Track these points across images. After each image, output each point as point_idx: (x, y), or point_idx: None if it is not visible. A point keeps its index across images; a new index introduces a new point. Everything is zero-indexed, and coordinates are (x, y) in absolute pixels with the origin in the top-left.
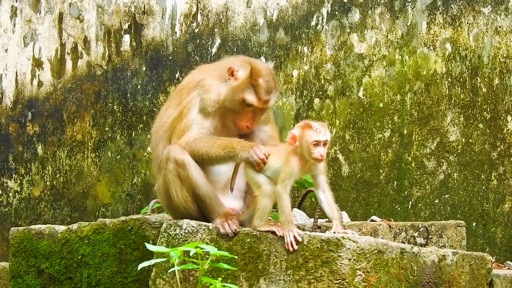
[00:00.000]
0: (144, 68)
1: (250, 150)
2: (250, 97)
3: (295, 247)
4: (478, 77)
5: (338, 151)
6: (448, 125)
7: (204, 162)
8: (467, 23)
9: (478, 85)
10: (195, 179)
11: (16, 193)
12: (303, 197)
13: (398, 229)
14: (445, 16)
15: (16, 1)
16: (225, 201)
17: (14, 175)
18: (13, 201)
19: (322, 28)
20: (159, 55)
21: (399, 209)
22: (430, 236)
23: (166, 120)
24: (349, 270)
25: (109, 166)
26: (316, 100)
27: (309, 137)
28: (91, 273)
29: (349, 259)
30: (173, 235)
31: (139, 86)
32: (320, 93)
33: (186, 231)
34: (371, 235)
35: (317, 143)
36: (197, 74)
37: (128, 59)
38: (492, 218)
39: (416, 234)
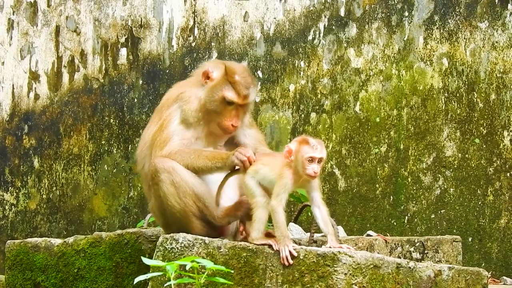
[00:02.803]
0: (140, 82)
1: (232, 156)
2: (230, 94)
3: (291, 261)
4: (474, 92)
5: (334, 166)
6: (445, 140)
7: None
8: (464, 38)
9: (475, 100)
10: (190, 181)
11: (12, 206)
12: (299, 212)
13: (394, 244)
14: (442, 31)
15: (13, 14)
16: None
17: (10, 188)
18: (9, 214)
19: (319, 42)
20: (155, 68)
21: (395, 224)
22: (426, 251)
23: (147, 138)
24: (345, 284)
25: (105, 179)
26: (313, 115)
27: (305, 153)
28: (87, 286)
29: (345, 274)
30: (169, 249)
31: (135, 100)
32: (317, 107)
33: (182, 245)
34: (367, 250)
35: (312, 160)
36: (174, 90)
37: (124, 72)
38: (488, 234)
39: (412, 249)
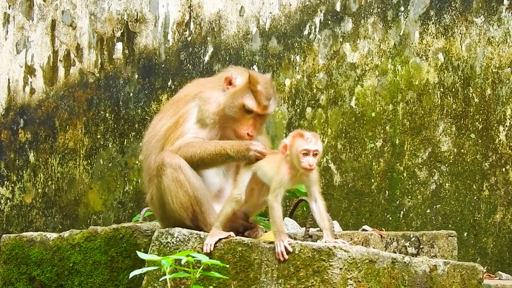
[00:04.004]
0: (136, 76)
1: (250, 152)
2: (250, 103)
3: (286, 257)
4: (470, 87)
5: (330, 161)
6: (440, 135)
7: (198, 167)
8: (460, 33)
9: (470, 95)
10: (193, 183)
11: (8, 200)
12: (295, 206)
13: (390, 238)
14: (437, 26)
15: (9, 8)
16: (218, 210)
17: (5, 182)
18: (4, 208)
19: (315, 37)
20: (151, 63)
21: (390, 218)
22: (421, 246)
23: (159, 130)
24: (340, 279)
25: (101, 174)
26: (308, 109)
27: (299, 146)
28: (82, 280)
29: (341, 269)
30: (164, 244)
31: (131, 94)
32: (312, 102)
33: (178, 239)
34: (362, 245)
35: (306, 153)
36: (194, 87)
37: (120, 67)
38: (483, 228)
39: (407, 244)
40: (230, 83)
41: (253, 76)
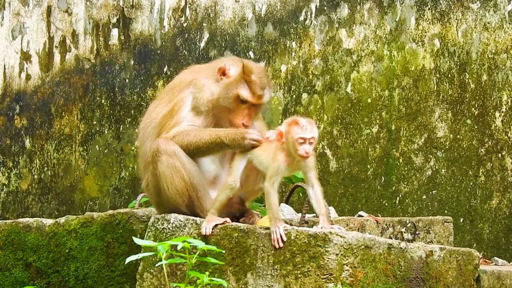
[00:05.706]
0: (132, 62)
1: (245, 140)
2: (244, 93)
3: (281, 244)
4: (466, 73)
5: (326, 146)
6: (436, 121)
7: (194, 155)
8: (456, 19)
9: (466, 81)
10: (188, 169)
11: (4, 186)
12: (291, 192)
13: (386, 224)
14: (433, 11)
15: None
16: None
17: (1, 168)
18: (0, 194)
19: (311, 23)
20: (147, 49)
21: (386, 204)
22: (417, 232)
23: (155, 117)
24: (336, 265)
25: (96, 160)
26: (304, 95)
27: (295, 134)
28: (78, 266)
29: (337, 254)
30: (160, 229)
31: (127, 80)
32: (308, 88)
33: (174, 225)
34: (358, 231)
35: (303, 140)
36: (189, 74)
37: (116, 53)
38: (479, 214)
39: (403, 230)
40: (223, 73)
41: (247, 66)
